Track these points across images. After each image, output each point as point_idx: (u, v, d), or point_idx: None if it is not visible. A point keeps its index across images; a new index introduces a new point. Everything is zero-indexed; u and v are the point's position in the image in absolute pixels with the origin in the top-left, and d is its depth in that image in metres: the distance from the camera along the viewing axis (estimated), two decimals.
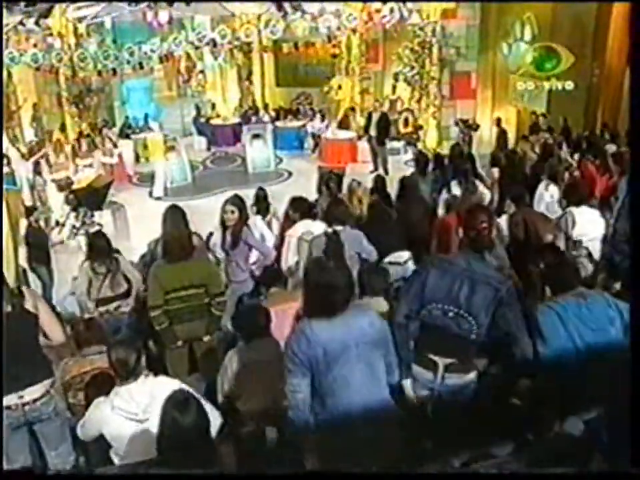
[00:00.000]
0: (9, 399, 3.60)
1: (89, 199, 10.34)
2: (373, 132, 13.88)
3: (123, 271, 5.38)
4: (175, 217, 4.79)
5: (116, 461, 3.64)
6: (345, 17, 13.14)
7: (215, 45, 13.15)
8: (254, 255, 6.01)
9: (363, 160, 14.85)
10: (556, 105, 13.96)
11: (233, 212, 5.60)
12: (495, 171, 8.42)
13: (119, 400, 3.53)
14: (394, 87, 16.50)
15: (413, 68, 15.31)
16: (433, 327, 3.44)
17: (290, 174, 14.48)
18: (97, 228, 9.09)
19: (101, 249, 5.40)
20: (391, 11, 13.03)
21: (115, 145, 14.32)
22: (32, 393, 3.65)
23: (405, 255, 5.93)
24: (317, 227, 5.76)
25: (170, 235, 4.70)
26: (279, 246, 6.47)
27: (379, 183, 7.96)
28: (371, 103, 17.25)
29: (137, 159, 15.63)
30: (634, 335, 2.94)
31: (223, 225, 5.69)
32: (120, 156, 14.60)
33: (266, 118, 16.40)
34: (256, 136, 14.44)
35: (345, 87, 17.03)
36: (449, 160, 8.54)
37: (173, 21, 13.16)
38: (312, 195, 10.42)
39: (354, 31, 13.87)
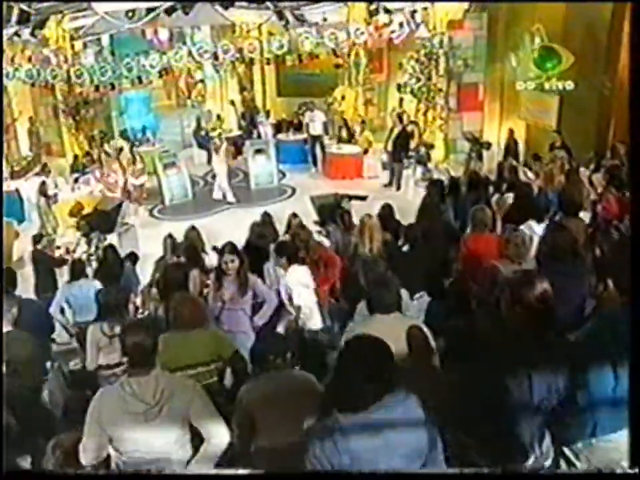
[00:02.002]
0: None
1: (101, 223, 9.96)
2: (390, 147, 13.54)
3: None
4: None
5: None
6: (353, 31, 12.70)
7: (216, 58, 12.74)
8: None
9: (369, 176, 14.50)
10: (566, 119, 13.60)
11: (232, 261, 5.29)
12: (507, 197, 8.02)
13: (124, 392, 3.16)
14: (401, 100, 16.10)
15: (419, 80, 14.93)
16: None
17: (294, 190, 14.10)
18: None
19: (113, 307, 4.98)
20: (401, 25, 12.61)
21: (114, 162, 13.85)
22: None
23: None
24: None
25: (179, 298, 4.30)
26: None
27: (387, 211, 7.60)
28: (375, 114, 16.96)
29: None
30: (634, 334, 2.81)
31: (222, 274, 5.33)
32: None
33: (268, 132, 15.91)
34: (259, 151, 14.04)
35: (348, 97, 16.65)
36: (466, 188, 8.15)
37: (174, 37, 12.70)
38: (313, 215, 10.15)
39: (361, 44, 13.46)
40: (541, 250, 4.61)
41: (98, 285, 6.61)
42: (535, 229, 5.82)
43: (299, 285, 5.76)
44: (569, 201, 6.17)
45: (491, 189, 8.83)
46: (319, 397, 3.28)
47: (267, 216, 8.56)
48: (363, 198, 9.33)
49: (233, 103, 17.43)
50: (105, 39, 14.08)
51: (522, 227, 5.82)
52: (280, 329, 5.68)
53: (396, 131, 13.73)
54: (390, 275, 4.08)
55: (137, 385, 3.14)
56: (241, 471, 3.05)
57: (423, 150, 11.10)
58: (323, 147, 15.29)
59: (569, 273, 4.28)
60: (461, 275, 5.61)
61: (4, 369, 4.15)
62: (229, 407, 3.68)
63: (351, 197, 9.01)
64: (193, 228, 7.33)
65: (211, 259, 6.85)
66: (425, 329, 3.99)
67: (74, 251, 9.39)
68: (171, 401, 3.14)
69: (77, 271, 6.84)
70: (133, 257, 8.45)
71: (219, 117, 17.20)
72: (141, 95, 17.49)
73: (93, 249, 9.10)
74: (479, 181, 8.16)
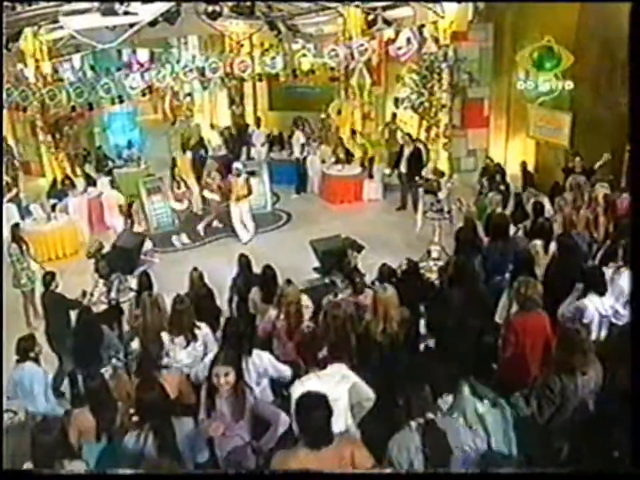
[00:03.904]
0: None
1: (122, 262, 8.83)
2: (403, 168, 12.57)
3: None
4: None
5: None
6: (355, 47, 11.67)
7: (203, 74, 11.73)
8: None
9: (369, 199, 13.59)
10: (580, 137, 12.71)
11: (227, 374, 4.21)
12: (539, 245, 7.08)
13: None
14: (394, 115, 15.16)
15: (421, 94, 14.00)
16: None
17: (289, 216, 13.13)
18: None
19: None
20: (408, 41, 11.59)
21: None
22: None
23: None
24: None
25: None
26: None
27: (412, 267, 6.64)
28: (372, 129, 15.98)
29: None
30: (634, 335, 2.83)
31: (212, 391, 4.28)
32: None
33: (262, 151, 14.84)
34: (250, 173, 13.00)
35: (344, 111, 15.70)
36: (486, 232, 7.22)
37: (155, 57, 11.63)
38: (314, 262, 9.09)
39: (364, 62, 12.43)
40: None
41: (40, 373, 5.58)
42: (598, 306, 4.85)
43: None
44: None
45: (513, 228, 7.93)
46: None
47: (269, 269, 7.20)
48: (359, 249, 8.26)
49: (212, 126, 16.43)
50: (77, 58, 12.92)
51: (582, 304, 4.84)
52: None
53: (407, 150, 12.73)
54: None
55: None
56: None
57: (432, 177, 10.16)
58: (305, 170, 14.41)
59: None
60: (505, 367, 4.68)
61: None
62: None
63: (357, 247, 8.02)
64: (181, 301, 6.10)
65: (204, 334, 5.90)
66: None
67: (92, 294, 8.34)
68: None
69: (22, 350, 5.60)
70: (146, 279, 7.42)
71: (212, 126, 16.24)
72: (125, 109, 16.45)
73: (113, 293, 8.06)
74: (504, 226, 7.18)
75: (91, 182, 13.54)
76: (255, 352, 5.08)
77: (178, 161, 14.70)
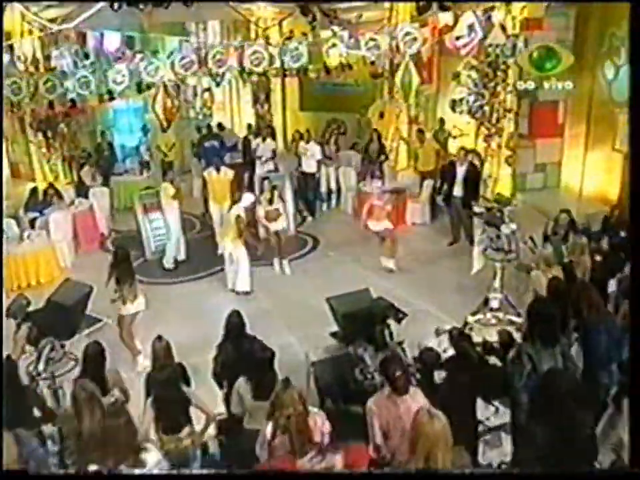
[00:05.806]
0: None
1: (57, 324, 6.41)
2: (457, 191, 10.22)
3: None
4: None
5: None
6: (401, 37, 9.12)
7: (206, 66, 9.46)
8: None
9: (413, 222, 11.26)
10: None
11: None
12: None
13: None
14: (442, 120, 12.69)
15: (481, 95, 11.51)
16: None
17: (316, 241, 10.84)
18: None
19: None
20: (470, 29, 9.03)
21: None
22: None
23: None
24: None
25: None
26: None
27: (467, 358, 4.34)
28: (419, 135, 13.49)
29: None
30: (633, 337, 2.97)
31: None
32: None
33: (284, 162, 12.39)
34: (272, 188, 10.66)
35: (388, 114, 13.26)
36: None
37: (136, 45, 9.33)
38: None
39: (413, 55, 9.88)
40: None
41: None
42: None
43: None
44: None
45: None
46: None
47: (234, 319, 5.53)
48: (400, 317, 5.96)
49: (221, 127, 14.06)
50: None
51: None
52: None
53: (461, 169, 10.23)
54: None
55: None
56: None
57: (495, 207, 7.69)
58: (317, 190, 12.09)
59: None
60: None
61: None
62: None
63: (396, 314, 5.74)
64: (116, 412, 3.81)
65: None
66: None
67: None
68: None
69: None
70: (95, 354, 5.17)
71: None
72: (132, 105, 14.29)
73: (41, 364, 5.84)
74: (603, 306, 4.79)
75: (82, 192, 11.43)
76: None
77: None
